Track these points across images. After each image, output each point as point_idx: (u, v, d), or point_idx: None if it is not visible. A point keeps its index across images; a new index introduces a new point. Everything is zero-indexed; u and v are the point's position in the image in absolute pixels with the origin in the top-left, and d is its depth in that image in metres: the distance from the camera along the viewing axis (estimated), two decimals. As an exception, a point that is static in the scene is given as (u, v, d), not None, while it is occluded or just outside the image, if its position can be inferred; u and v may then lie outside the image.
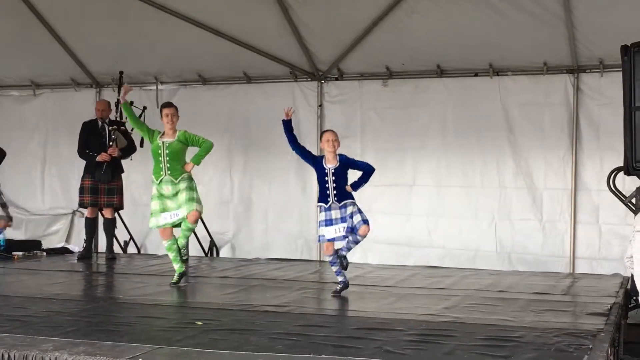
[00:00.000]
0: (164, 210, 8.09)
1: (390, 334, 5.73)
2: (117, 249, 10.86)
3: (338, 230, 7.53)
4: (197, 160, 8.19)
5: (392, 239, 10.87)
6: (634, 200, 8.33)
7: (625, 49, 5.64)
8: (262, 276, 8.99)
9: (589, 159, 10.12)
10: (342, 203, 7.52)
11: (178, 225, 8.20)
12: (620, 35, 7.88)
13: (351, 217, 7.53)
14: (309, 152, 7.77)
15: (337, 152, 7.63)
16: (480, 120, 10.54)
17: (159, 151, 8.07)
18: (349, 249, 7.71)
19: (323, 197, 7.58)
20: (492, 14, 9.59)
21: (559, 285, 8.47)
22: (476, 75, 10.59)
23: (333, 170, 7.55)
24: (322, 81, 11.27)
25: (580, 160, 10.17)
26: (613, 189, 8.67)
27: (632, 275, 6.42)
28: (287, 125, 7.64)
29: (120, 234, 11.08)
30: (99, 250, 10.70)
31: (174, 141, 8.10)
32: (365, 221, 7.53)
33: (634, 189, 8.40)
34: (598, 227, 9.94)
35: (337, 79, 11.26)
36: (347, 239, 7.66)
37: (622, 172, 8.22)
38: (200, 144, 8.21)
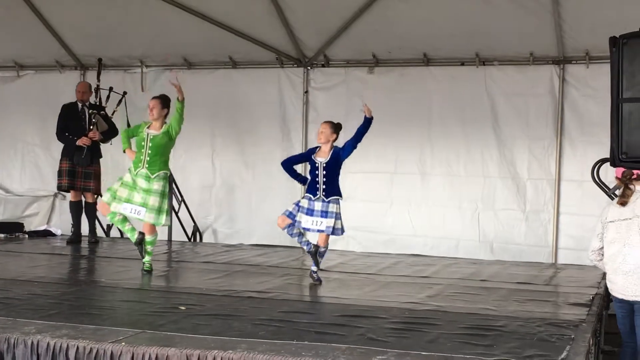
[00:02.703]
0: (128, 200, 7.85)
1: (373, 321, 5.75)
2: (100, 232, 10.82)
3: (316, 223, 7.51)
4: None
5: (374, 227, 10.88)
6: (617, 192, 8.36)
7: (613, 41, 5.65)
8: (245, 262, 8.99)
9: (573, 150, 10.16)
10: (329, 199, 7.52)
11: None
12: (607, 27, 7.90)
13: (337, 218, 7.52)
14: (300, 158, 8.04)
15: (334, 145, 7.61)
16: (466, 109, 10.55)
17: (142, 142, 7.89)
18: (317, 264, 7.69)
19: (312, 189, 7.58)
20: (480, 4, 9.60)
21: (541, 275, 8.52)
22: (462, 64, 10.59)
23: (324, 165, 7.53)
24: (308, 67, 11.24)
25: (564, 151, 10.20)
26: (597, 180, 8.70)
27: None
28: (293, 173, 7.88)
29: (103, 217, 11.02)
30: (82, 234, 10.63)
31: (159, 134, 7.89)
32: (332, 230, 7.52)
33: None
34: (581, 218, 9.95)
35: (323, 66, 11.23)
36: (317, 255, 7.67)
37: (605, 164, 8.26)
38: (174, 118, 7.92)
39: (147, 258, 8.01)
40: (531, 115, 10.33)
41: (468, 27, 9.91)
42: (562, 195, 10.20)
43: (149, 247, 8.03)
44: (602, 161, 8.49)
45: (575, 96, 10.16)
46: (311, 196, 7.55)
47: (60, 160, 10.18)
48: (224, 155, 11.67)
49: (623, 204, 6.33)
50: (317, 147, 7.72)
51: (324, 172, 7.52)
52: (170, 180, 10.12)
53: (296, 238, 7.82)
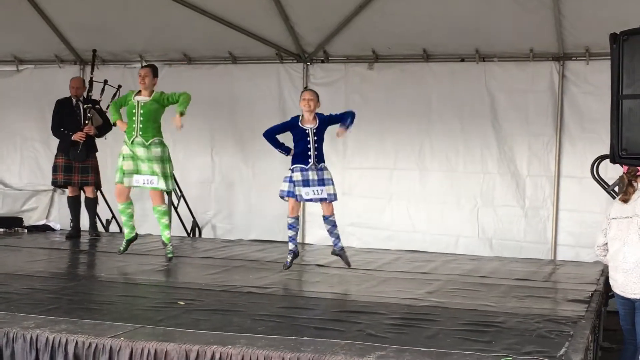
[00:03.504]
0: (137, 172, 7.99)
1: (372, 317, 5.75)
2: (99, 227, 10.82)
3: (316, 192, 7.52)
4: (182, 109, 7.88)
5: (373, 223, 10.87)
6: (616, 189, 8.37)
7: (614, 37, 5.62)
8: (244, 257, 8.99)
9: (572, 147, 10.14)
10: (320, 165, 7.54)
11: None
12: (607, 23, 7.85)
13: (330, 183, 7.57)
14: (282, 127, 7.80)
15: (316, 112, 7.62)
16: (465, 105, 10.53)
17: (133, 110, 7.98)
18: (338, 237, 7.72)
19: (302, 158, 7.56)
20: (480, 0, 9.58)
21: (540, 271, 8.52)
22: (462, 60, 10.57)
23: (314, 131, 7.54)
24: (308, 63, 11.22)
25: (564, 148, 10.19)
26: (596, 177, 8.69)
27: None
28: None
29: (103, 212, 11.03)
30: (82, 228, 10.62)
31: (149, 101, 7.99)
32: (334, 197, 7.57)
33: (617, 177, 8.45)
34: (580, 215, 9.96)
35: (322, 62, 11.21)
36: (329, 232, 7.68)
37: (605, 160, 8.25)
38: (178, 97, 8.01)
39: (166, 235, 8.20)
40: (531, 111, 10.31)
41: (468, 23, 9.89)
42: (561, 192, 10.20)
43: (164, 219, 8.18)
44: (602, 158, 8.49)
45: (575, 93, 10.15)
46: (303, 166, 7.54)
47: (56, 155, 10.20)
48: (224, 151, 11.66)
49: (625, 201, 6.33)
50: (298, 116, 7.69)
51: (315, 139, 7.53)
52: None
53: (293, 233, 7.77)
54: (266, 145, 11.00)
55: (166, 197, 9.07)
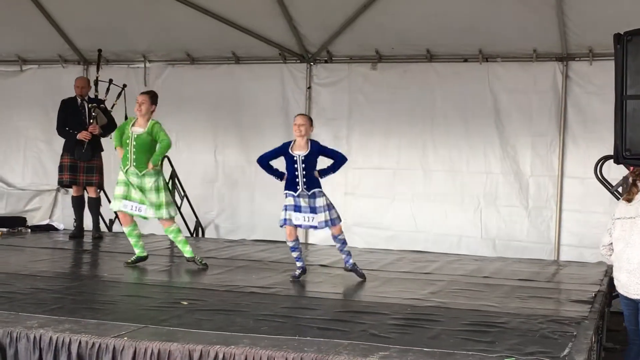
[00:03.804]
0: (126, 197, 7.97)
1: (375, 317, 5.76)
2: (102, 227, 10.82)
3: (307, 218, 7.43)
4: (155, 161, 8.01)
5: (376, 223, 10.86)
6: (620, 189, 8.37)
7: (618, 37, 5.64)
8: (247, 257, 9.00)
9: (576, 147, 10.13)
10: (311, 192, 7.45)
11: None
12: (610, 23, 7.86)
13: (327, 209, 7.47)
14: (275, 153, 7.69)
15: (309, 138, 7.56)
16: (469, 105, 10.53)
17: (128, 141, 7.95)
18: (349, 254, 7.68)
19: (292, 185, 7.46)
20: (483, 0, 9.58)
21: (543, 272, 8.52)
22: (466, 60, 10.57)
23: (303, 158, 7.43)
24: (311, 63, 11.22)
25: (567, 148, 10.18)
26: (600, 177, 8.69)
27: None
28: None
29: (106, 212, 11.03)
30: (85, 228, 10.63)
31: (143, 133, 7.95)
32: (338, 219, 7.53)
33: (620, 177, 8.44)
34: (583, 215, 9.95)
35: (326, 62, 11.21)
36: (339, 250, 7.66)
37: (608, 161, 8.24)
38: (160, 140, 8.02)
39: (187, 250, 8.14)
40: (534, 112, 10.30)
41: (471, 24, 9.89)
42: (564, 192, 10.19)
43: (180, 237, 8.16)
44: (605, 158, 8.49)
45: (578, 93, 10.14)
46: (292, 193, 7.46)
47: (62, 155, 10.21)
48: (227, 151, 11.66)
49: (629, 200, 6.32)
50: (291, 142, 7.60)
51: (303, 166, 7.43)
52: (172, 175, 10.14)
53: (296, 253, 7.66)
54: (269, 144, 11.06)
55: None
